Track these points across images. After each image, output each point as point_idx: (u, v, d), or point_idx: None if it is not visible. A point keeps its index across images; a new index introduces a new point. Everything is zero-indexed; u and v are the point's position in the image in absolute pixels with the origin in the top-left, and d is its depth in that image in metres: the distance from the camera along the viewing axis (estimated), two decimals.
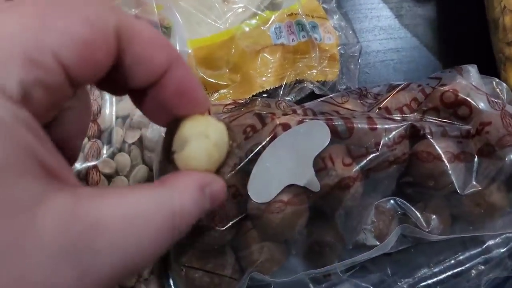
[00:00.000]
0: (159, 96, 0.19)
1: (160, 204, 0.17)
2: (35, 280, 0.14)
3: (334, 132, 0.29)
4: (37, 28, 0.15)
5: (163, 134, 0.26)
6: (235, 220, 0.28)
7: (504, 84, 0.35)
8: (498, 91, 0.35)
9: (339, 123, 0.29)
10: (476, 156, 0.30)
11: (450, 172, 0.29)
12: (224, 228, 0.28)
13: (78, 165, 0.30)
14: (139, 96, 0.19)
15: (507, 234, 0.32)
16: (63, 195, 0.15)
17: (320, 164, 0.29)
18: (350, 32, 0.43)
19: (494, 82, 0.35)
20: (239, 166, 0.28)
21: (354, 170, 0.28)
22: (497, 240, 0.32)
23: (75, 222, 0.14)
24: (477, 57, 0.39)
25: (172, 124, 0.19)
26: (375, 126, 0.29)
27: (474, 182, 0.29)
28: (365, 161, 0.29)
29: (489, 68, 0.41)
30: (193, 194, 0.18)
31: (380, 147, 0.29)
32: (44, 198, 0.14)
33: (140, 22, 0.17)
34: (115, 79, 0.18)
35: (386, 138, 0.29)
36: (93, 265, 0.15)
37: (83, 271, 0.14)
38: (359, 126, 0.29)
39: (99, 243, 0.15)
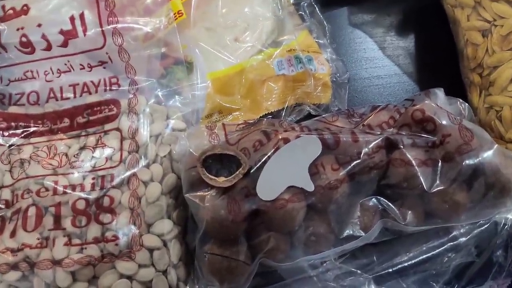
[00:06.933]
0: None
1: None
2: None
3: (324, 144, 0.32)
4: None
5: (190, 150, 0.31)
6: (247, 214, 0.31)
7: (467, 104, 0.38)
8: (462, 109, 0.38)
9: (329, 137, 0.33)
10: (440, 162, 0.33)
11: (419, 175, 0.32)
12: (238, 221, 0.31)
13: (122, 173, 0.34)
14: None
15: (470, 225, 0.35)
16: None
17: (314, 170, 0.32)
18: (340, 63, 0.47)
19: (458, 102, 0.38)
20: (250, 172, 0.32)
21: (341, 174, 0.32)
22: (462, 230, 0.35)
23: None
24: (449, 81, 0.43)
25: None
26: (357, 139, 0.33)
27: (438, 182, 0.32)
28: (349, 166, 0.32)
29: (459, 91, 0.45)
30: None
31: (361, 155, 0.32)
32: None
33: None
34: None
35: (366, 148, 0.32)
36: None
37: None
38: (345, 139, 0.33)
39: None
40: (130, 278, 0.33)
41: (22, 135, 0.37)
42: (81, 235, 0.33)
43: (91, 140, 0.36)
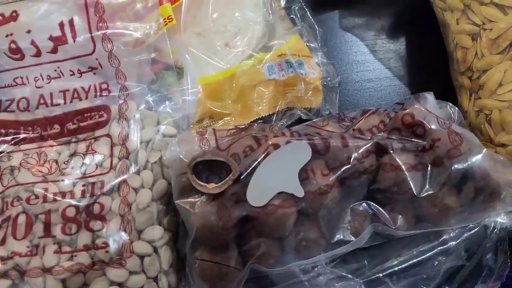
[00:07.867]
0: None
1: None
2: None
3: (314, 149, 0.32)
4: None
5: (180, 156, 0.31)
6: (237, 220, 0.31)
7: (456, 108, 0.38)
8: (451, 113, 0.38)
9: (318, 142, 0.33)
10: (429, 166, 0.33)
11: (409, 179, 0.32)
12: (229, 227, 0.31)
13: (112, 180, 0.34)
14: None
15: (460, 229, 0.35)
16: None
17: (304, 175, 0.32)
18: (331, 67, 0.47)
19: (448, 106, 0.38)
20: (240, 178, 0.32)
21: (331, 179, 0.32)
22: (452, 234, 0.35)
23: None
24: (440, 84, 0.44)
25: None
26: (347, 144, 0.33)
27: (428, 187, 0.33)
28: (339, 172, 0.32)
29: (450, 94, 0.45)
30: None
31: (351, 160, 0.32)
32: None
33: None
34: None
35: (356, 153, 0.32)
36: None
37: None
38: (334, 144, 0.33)
39: None
40: (121, 285, 0.33)
41: (12, 142, 0.37)
42: (71, 242, 0.33)
43: (82, 146, 0.36)
